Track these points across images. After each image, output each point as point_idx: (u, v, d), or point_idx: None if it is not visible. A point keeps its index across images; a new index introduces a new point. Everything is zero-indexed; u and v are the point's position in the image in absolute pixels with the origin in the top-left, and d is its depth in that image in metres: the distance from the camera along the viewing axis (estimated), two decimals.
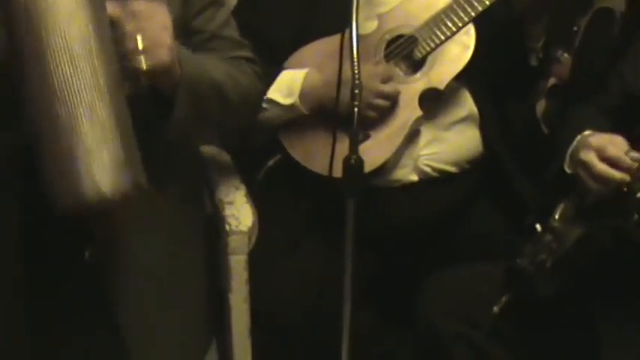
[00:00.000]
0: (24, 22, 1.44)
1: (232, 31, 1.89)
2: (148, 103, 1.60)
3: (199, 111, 1.70)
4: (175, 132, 1.67)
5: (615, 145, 1.77)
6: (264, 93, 2.07)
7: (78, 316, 1.69)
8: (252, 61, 1.90)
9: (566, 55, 2.84)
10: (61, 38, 1.43)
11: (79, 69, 1.44)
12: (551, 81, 2.76)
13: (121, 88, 1.51)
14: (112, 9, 1.53)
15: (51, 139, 1.46)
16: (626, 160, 1.74)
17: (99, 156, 1.45)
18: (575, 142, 1.84)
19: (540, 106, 2.75)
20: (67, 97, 1.43)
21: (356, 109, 1.69)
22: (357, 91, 1.70)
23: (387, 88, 2.09)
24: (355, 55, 1.73)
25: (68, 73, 1.43)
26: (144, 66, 1.53)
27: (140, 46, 1.53)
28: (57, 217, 1.50)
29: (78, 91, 1.43)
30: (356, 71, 1.71)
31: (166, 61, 1.57)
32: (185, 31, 1.77)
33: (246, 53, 1.89)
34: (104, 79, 1.45)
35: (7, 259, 1.63)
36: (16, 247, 1.63)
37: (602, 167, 1.76)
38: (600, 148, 1.77)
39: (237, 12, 2.24)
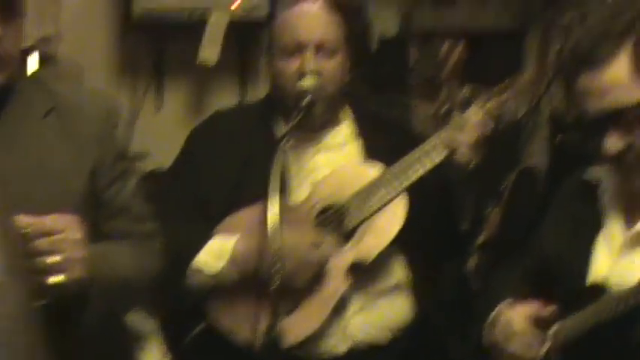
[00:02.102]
0: None
1: (137, 204, 1.84)
2: (60, 304, 1.56)
3: (110, 304, 1.68)
4: (88, 325, 1.64)
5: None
6: (172, 267, 1.94)
7: None
8: (153, 236, 1.86)
9: (496, 209, 2.87)
10: None
11: None
12: (481, 237, 2.79)
13: (30, 304, 1.47)
14: (23, 224, 1.51)
15: None
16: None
17: None
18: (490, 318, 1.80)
19: (472, 261, 2.76)
20: None
21: (275, 285, 1.67)
22: (277, 267, 1.67)
23: (313, 257, 2.05)
24: (277, 226, 1.70)
25: None
26: (57, 281, 1.52)
27: (53, 262, 1.52)
28: None
29: None
30: (279, 244, 1.68)
31: (79, 276, 1.56)
32: (92, 204, 1.74)
33: (147, 227, 1.85)
34: (12, 299, 1.42)
35: None
36: None
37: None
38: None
39: (172, 171, 2.24)
